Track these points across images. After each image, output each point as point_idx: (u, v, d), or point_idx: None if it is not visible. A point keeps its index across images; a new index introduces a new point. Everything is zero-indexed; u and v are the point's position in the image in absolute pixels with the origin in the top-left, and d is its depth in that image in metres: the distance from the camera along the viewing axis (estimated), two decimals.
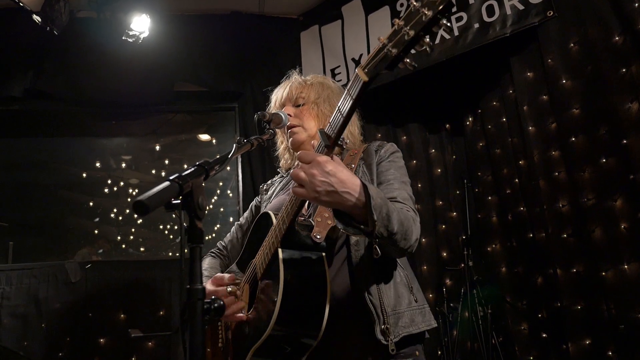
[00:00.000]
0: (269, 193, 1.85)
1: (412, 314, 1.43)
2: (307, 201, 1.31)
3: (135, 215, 4.90)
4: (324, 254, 1.39)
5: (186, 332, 1.00)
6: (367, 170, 1.57)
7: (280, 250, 1.35)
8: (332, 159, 1.19)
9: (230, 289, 1.43)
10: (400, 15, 1.00)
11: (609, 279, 2.73)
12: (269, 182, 1.94)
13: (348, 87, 1.12)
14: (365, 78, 1.06)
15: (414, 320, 1.42)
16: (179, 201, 1.05)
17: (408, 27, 0.97)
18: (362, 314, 1.38)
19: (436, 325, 1.49)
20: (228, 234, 1.92)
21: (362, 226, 1.21)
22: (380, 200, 1.20)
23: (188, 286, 1.03)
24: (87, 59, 3.78)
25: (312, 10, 4.16)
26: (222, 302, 1.27)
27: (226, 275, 1.47)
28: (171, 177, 1.04)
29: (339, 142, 1.19)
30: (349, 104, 1.12)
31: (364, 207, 1.18)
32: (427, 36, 0.98)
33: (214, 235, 4.75)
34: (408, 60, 1.01)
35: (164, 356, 3.42)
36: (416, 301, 1.47)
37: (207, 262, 1.81)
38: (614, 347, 2.70)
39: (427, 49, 0.99)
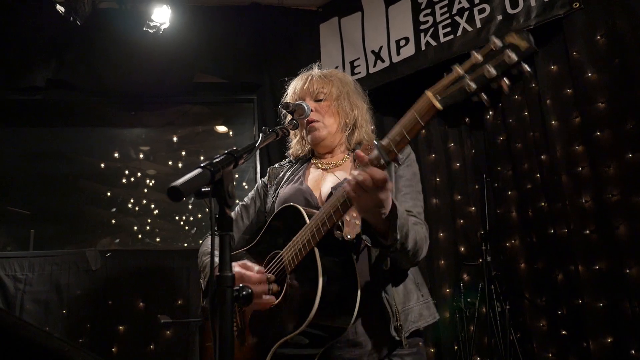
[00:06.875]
0: (278, 178, 1.82)
1: (420, 308, 1.52)
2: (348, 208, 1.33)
3: (153, 206, 4.98)
4: (353, 255, 1.44)
5: (215, 318, 1.01)
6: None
7: (316, 250, 1.37)
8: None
9: (268, 275, 1.47)
10: (477, 50, 1.01)
11: (633, 276, 2.68)
12: (277, 165, 1.90)
13: (415, 108, 1.12)
14: (439, 107, 1.09)
15: (422, 315, 1.51)
16: (208, 189, 1.05)
17: (490, 65, 1.00)
18: (378, 312, 1.46)
19: (439, 317, 1.60)
20: (232, 213, 1.88)
21: (381, 239, 1.31)
22: (403, 220, 1.30)
23: (218, 273, 1.04)
24: (108, 50, 3.83)
25: (331, 1, 4.13)
26: (250, 290, 1.30)
27: (256, 267, 1.48)
28: (202, 164, 1.04)
29: (397, 159, 1.21)
30: (417, 128, 1.13)
31: (388, 223, 1.27)
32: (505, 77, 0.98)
33: None
34: (484, 96, 1.02)
35: (182, 345, 3.46)
36: (422, 296, 1.56)
37: (209, 242, 1.77)
38: (637, 345, 2.66)
39: (506, 88, 1.00)
